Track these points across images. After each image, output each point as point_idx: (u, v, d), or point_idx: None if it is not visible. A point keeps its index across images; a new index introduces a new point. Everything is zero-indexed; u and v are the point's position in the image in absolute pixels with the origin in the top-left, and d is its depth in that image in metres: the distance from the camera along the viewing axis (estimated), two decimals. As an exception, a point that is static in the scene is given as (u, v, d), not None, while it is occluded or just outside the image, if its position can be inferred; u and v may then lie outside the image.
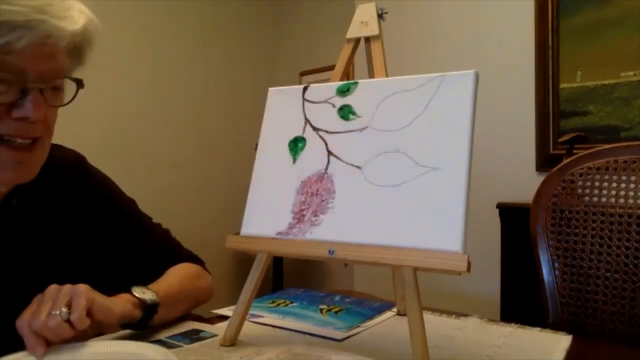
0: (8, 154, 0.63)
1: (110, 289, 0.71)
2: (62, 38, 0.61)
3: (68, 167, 0.82)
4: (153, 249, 0.89)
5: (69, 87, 0.70)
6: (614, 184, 1.02)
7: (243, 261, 3.11)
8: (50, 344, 0.60)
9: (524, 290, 1.80)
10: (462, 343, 0.76)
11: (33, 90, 0.61)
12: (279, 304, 0.95)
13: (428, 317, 0.88)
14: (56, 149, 0.81)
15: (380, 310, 0.92)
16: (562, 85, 2.02)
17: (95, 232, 0.83)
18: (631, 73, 1.87)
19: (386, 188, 0.64)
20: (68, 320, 0.60)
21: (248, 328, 0.78)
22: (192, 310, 0.88)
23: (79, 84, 0.68)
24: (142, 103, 2.70)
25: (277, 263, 2.92)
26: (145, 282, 0.78)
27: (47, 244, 0.77)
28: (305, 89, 0.76)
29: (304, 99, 0.75)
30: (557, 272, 1.04)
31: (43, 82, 0.63)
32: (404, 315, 0.86)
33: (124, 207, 0.89)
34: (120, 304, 0.69)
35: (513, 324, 0.84)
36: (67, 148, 0.85)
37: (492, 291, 1.98)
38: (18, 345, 0.60)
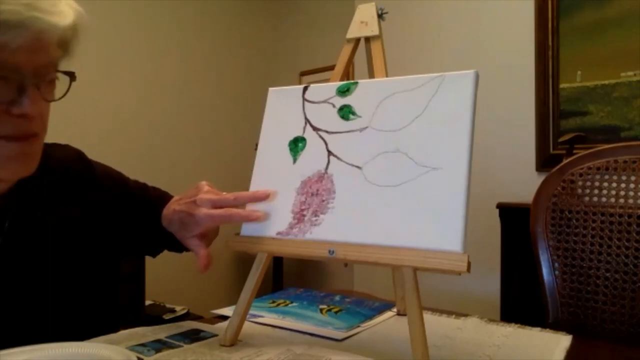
0: (11, 146, 0.63)
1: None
2: (55, 33, 0.61)
3: (71, 164, 0.82)
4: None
5: (60, 80, 0.70)
6: (614, 184, 1.02)
7: (243, 261, 3.11)
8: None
9: (524, 290, 1.80)
10: (462, 343, 0.76)
11: (30, 85, 0.61)
12: (279, 304, 0.95)
13: (428, 317, 0.88)
14: (55, 148, 0.80)
15: (380, 310, 0.92)
16: (562, 85, 2.02)
17: (111, 218, 0.83)
18: (631, 73, 1.87)
19: (386, 188, 0.64)
20: None
21: (248, 328, 0.78)
22: (192, 311, 0.88)
23: (72, 77, 0.68)
24: (142, 103, 2.70)
25: (277, 263, 2.92)
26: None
27: (61, 243, 0.76)
28: (305, 89, 0.75)
29: (304, 99, 0.75)
30: (557, 272, 1.04)
31: (38, 77, 0.62)
32: (404, 315, 0.86)
33: (133, 189, 0.91)
34: None
35: (513, 324, 0.84)
36: (63, 145, 0.85)
37: (492, 291, 1.99)
38: (19, 338, 0.60)
